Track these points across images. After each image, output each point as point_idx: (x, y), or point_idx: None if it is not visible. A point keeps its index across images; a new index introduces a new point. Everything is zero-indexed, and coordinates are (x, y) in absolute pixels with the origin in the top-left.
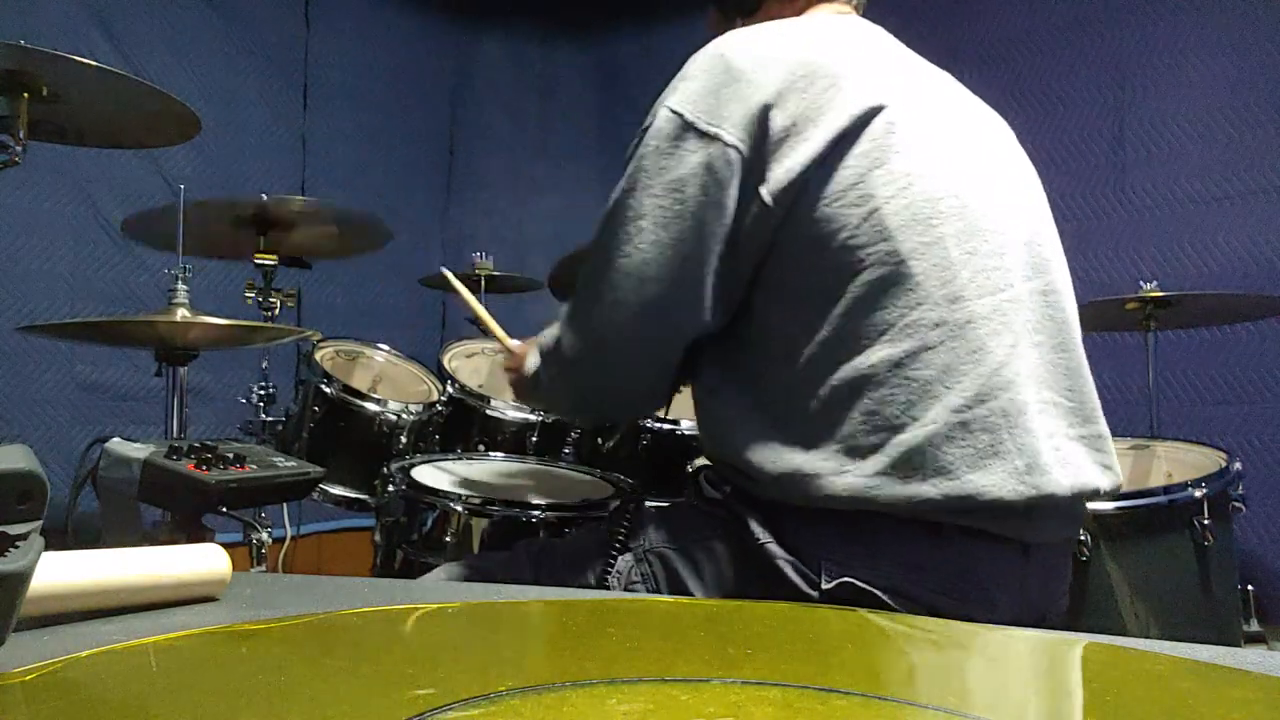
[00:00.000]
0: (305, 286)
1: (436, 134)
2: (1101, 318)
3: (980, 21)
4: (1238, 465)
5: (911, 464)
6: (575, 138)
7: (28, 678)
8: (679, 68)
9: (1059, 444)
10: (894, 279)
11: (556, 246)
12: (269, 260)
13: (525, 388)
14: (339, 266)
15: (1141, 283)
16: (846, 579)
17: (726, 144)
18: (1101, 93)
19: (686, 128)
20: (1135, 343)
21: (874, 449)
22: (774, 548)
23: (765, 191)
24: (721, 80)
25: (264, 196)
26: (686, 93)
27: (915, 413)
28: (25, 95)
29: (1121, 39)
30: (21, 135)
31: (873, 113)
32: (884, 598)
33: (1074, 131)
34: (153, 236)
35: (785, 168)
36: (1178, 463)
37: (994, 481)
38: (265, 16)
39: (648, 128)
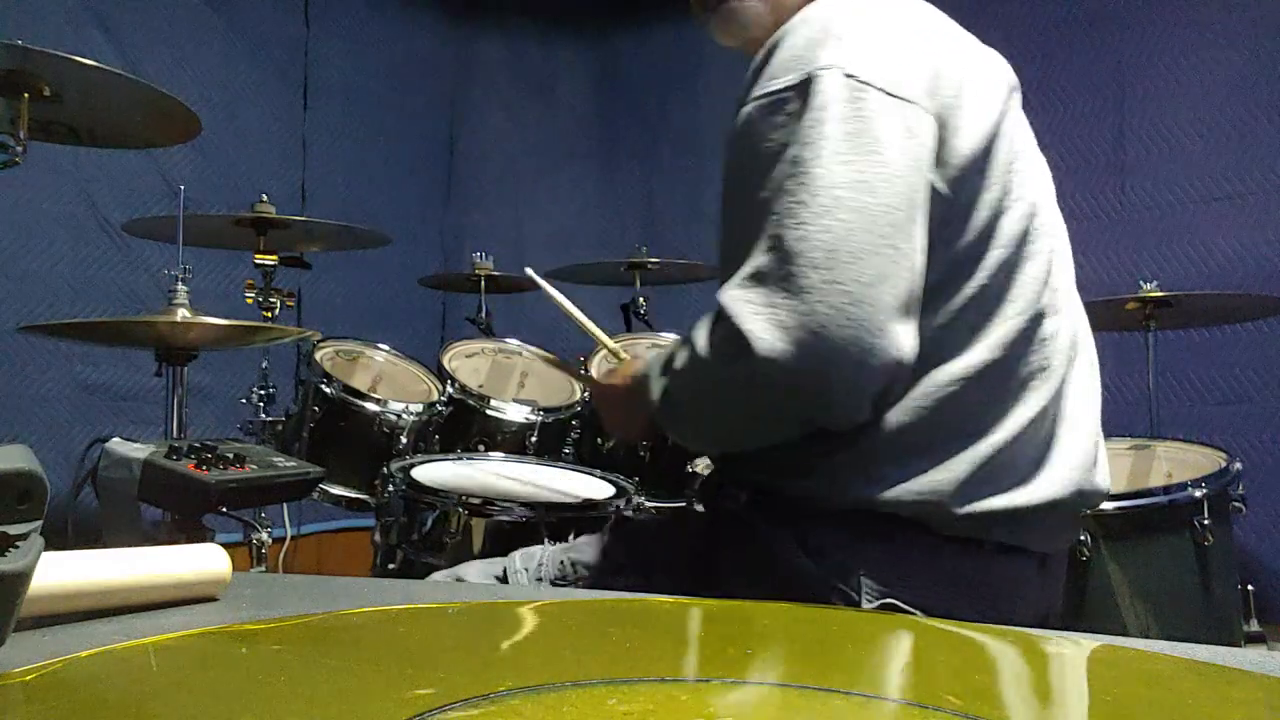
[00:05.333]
0: (305, 286)
1: (436, 134)
2: (1101, 318)
3: (980, 21)
4: (1238, 465)
5: (985, 471)
6: (575, 138)
7: (28, 678)
8: (679, 67)
9: (1094, 447)
10: (1000, 288)
11: (557, 246)
12: (269, 260)
13: (643, 413)
14: (339, 266)
15: (1141, 283)
16: (889, 600)
17: (923, 109)
18: (1101, 93)
19: (863, 87)
20: (1135, 343)
21: (951, 455)
22: (806, 562)
23: (940, 177)
24: (885, 41)
25: (264, 197)
26: (851, 51)
27: (992, 422)
28: (25, 95)
29: (1121, 39)
30: (22, 135)
31: (1007, 110)
32: (923, 618)
33: (1074, 131)
34: (150, 229)
35: (959, 153)
36: (1178, 463)
37: (1048, 484)
38: (265, 16)
39: (799, 88)
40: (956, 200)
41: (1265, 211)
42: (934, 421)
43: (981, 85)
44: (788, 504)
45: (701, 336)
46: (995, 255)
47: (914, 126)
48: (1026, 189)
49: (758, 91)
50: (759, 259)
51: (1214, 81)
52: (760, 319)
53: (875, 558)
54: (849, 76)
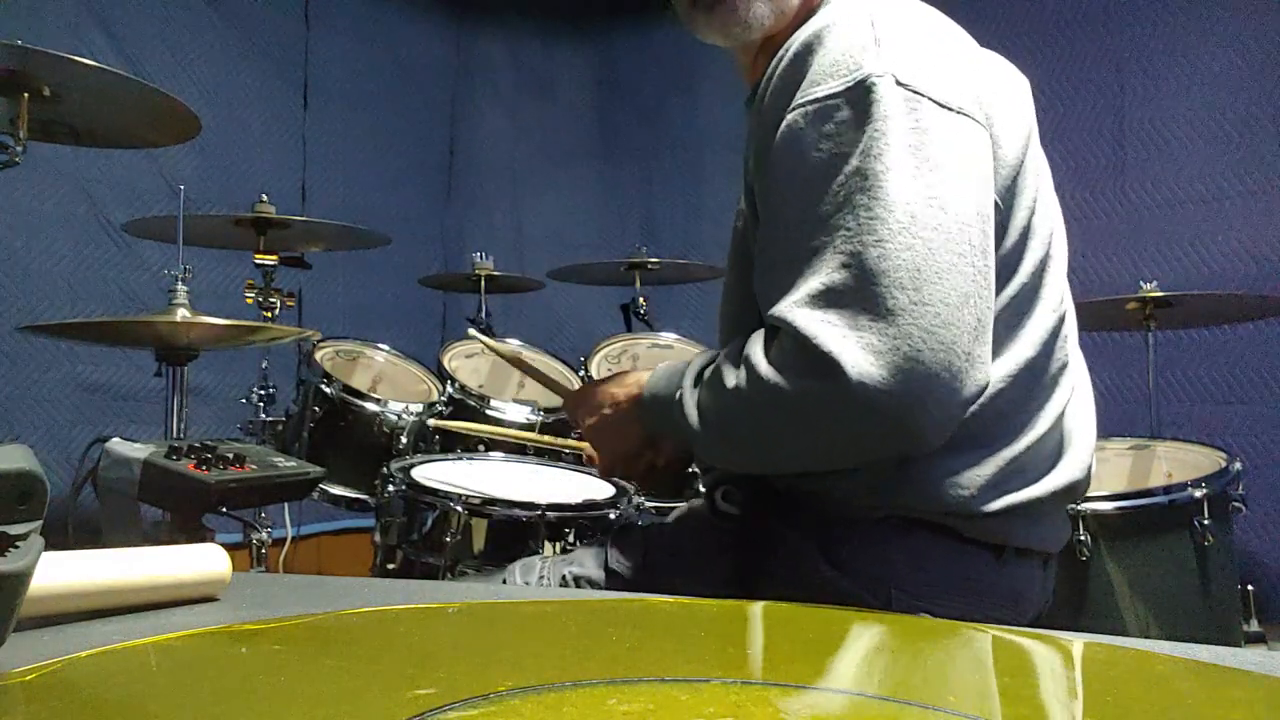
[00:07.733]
0: (305, 286)
1: (436, 134)
2: (1101, 318)
3: (979, 21)
4: (1238, 465)
5: (1013, 467)
6: (575, 138)
7: (28, 678)
8: (678, 67)
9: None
10: (1035, 287)
11: (556, 246)
12: (269, 260)
13: (648, 435)
14: (339, 266)
15: (1141, 283)
16: (923, 613)
17: (977, 121)
18: (1101, 93)
19: (916, 97)
20: (1135, 343)
21: (985, 457)
22: (832, 574)
23: (995, 188)
24: (929, 47)
25: (264, 197)
26: (900, 58)
27: (1025, 422)
28: (25, 95)
29: (1121, 39)
30: (22, 135)
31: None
32: (919, 619)
33: (1074, 131)
34: (151, 229)
35: (1006, 164)
36: (1178, 463)
37: (1063, 472)
38: (265, 16)
39: (848, 94)
40: (1004, 208)
41: (1265, 211)
42: (972, 424)
43: (1009, 89)
44: (804, 508)
45: (758, 354)
46: (1032, 255)
47: (973, 140)
48: (1044, 184)
49: (801, 98)
50: (830, 276)
51: (1214, 81)
52: (848, 342)
53: (903, 569)
54: (901, 85)
